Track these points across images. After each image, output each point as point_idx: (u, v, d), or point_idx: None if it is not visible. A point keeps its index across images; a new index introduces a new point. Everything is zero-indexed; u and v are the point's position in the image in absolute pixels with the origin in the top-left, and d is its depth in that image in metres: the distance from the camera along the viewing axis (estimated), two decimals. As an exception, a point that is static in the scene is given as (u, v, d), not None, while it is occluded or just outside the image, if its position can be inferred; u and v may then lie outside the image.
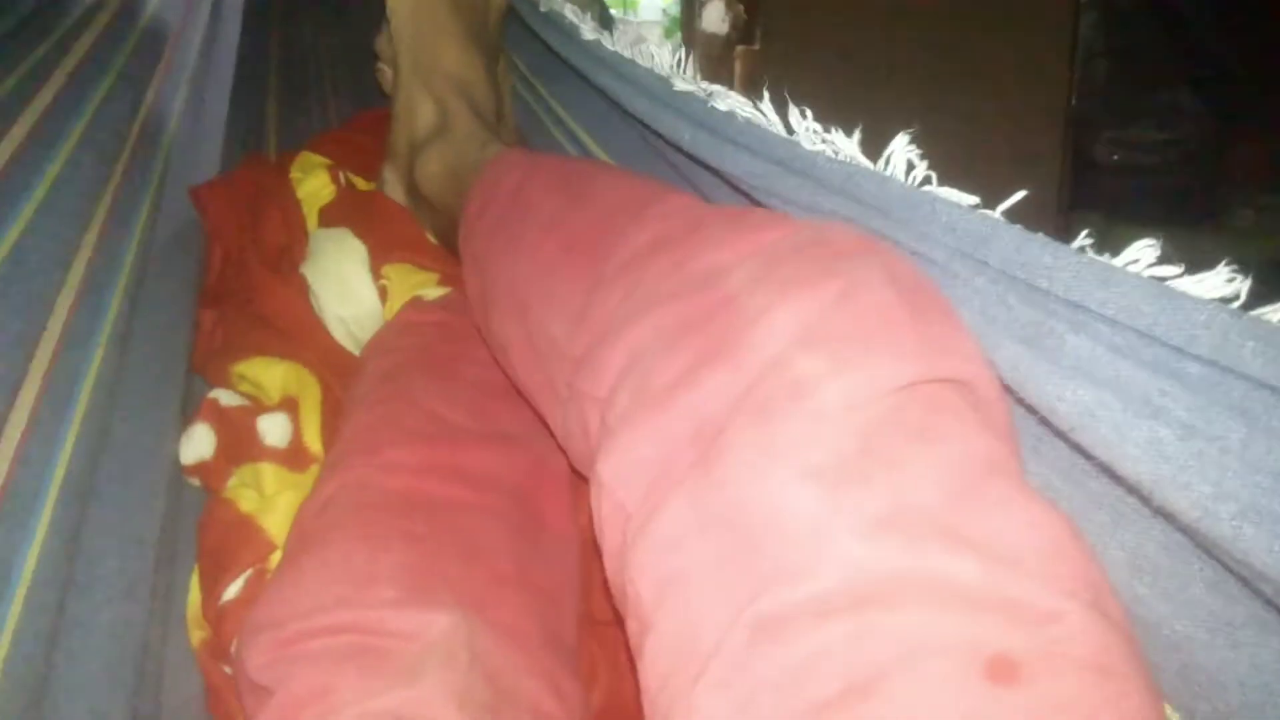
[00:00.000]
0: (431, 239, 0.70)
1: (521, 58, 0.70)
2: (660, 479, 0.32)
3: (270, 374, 0.60)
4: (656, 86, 0.49)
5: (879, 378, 0.29)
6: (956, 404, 0.30)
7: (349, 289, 0.64)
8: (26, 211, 0.43)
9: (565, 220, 0.48)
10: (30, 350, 0.41)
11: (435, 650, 0.40)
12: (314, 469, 0.56)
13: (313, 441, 0.57)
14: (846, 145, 0.37)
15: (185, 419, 0.57)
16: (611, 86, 0.55)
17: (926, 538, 0.26)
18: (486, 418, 0.54)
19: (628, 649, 0.33)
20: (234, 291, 0.64)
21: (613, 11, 1.44)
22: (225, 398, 0.58)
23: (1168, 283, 0.27)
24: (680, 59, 0.49)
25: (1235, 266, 0.27)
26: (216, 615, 0.49)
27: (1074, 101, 1.61)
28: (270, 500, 0.54)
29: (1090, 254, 0.29)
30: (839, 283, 0.31)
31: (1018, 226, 0.31)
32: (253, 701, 0.41)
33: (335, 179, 0.73)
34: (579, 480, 0.51)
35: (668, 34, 1.96)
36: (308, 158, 0.75)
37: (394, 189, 0.72)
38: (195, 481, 0.57)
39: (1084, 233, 0.29)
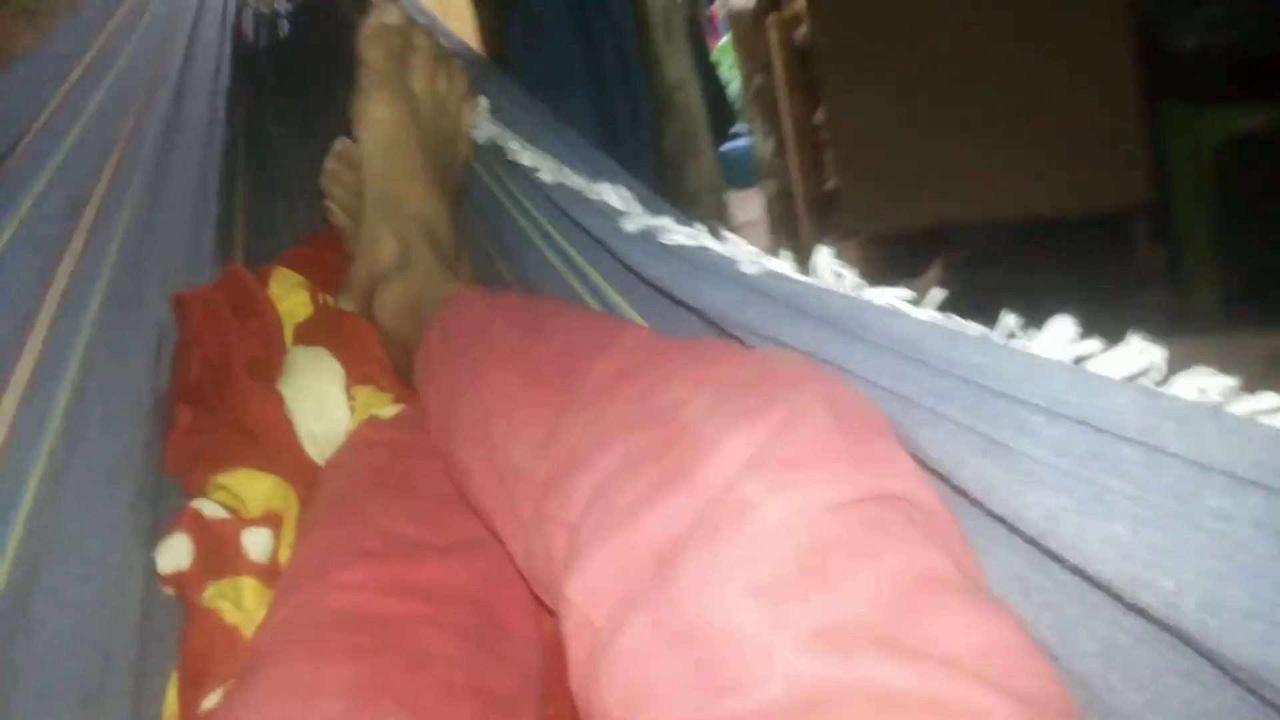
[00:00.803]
0: (385, 365, 0.72)
1: (540, 210, 0.71)
2: (624, 596, 0.34)
3: (254, 487, 0.60)
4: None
5: (815, 498, 0.32)
6: (893, 520, 0.32)
7: (324, 407, 0.66)
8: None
9: (528, 352, 0.50)
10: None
11: None
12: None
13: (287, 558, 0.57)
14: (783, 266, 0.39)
15: (160, 526, 0.57)
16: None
17: (861, 648, 0.28)
18: (442, 530, 0.54)
19: None
20: (211, 396, 0.66)
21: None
22: (208, 509, 0.58)
23: (1087, 362, 0.27)
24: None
25: (1147, 335, 0.27)
26: None
27: None
28: (251, 615, 0.53)
29: (1016, 341, 0.29)
30: (782, 412, 0.34)
31: (951, 323, 0.32)
32: None
33: (314, 299, 0.75)
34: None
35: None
36: (286, 274, 0.77)
37: (350, 317, 0.75)
38: (169, 590, 0.56)
39: (1006, 321, 0.30)
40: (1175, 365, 0.27)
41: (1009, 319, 0.30)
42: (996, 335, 0.30)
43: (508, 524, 0.46)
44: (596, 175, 0.55)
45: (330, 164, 0.81)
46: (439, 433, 0.56)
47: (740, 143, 2.10)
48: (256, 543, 0.58)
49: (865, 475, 0.33)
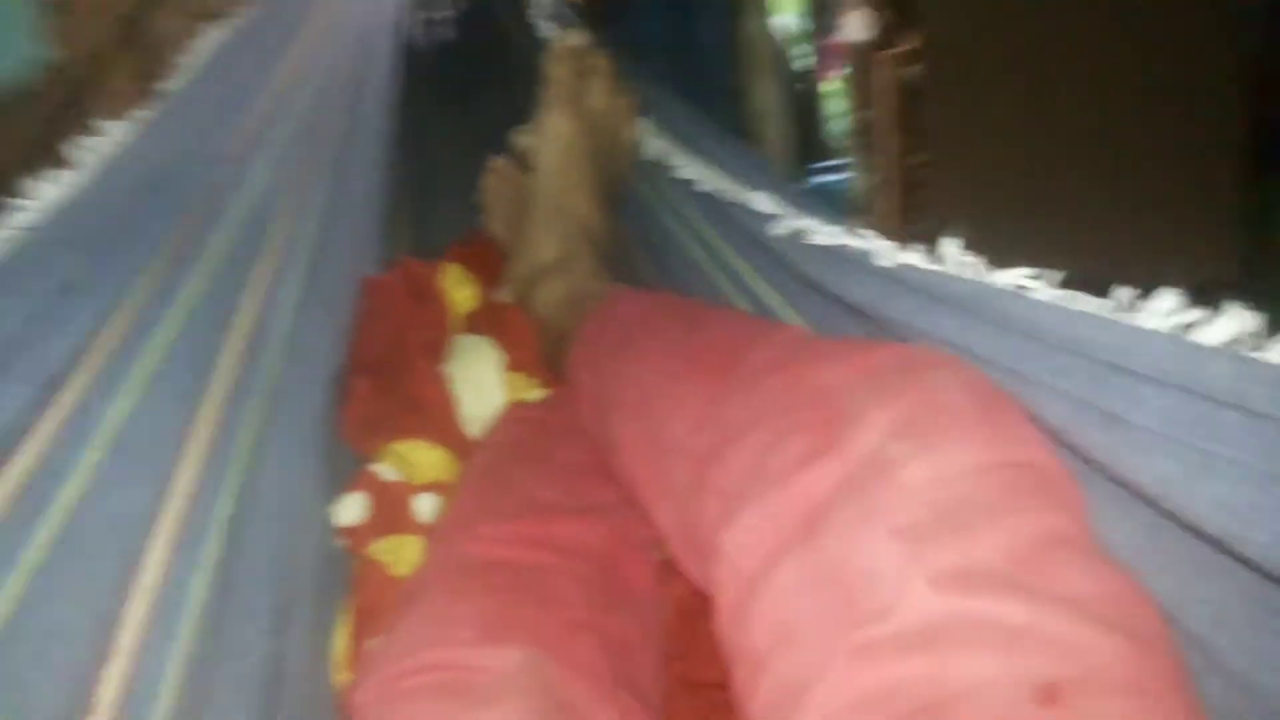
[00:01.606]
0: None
1: (695, 215, 0.75)
2: (774, 547, 0.38)
3: (427, 457, 0.67)
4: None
5: (954, 459, 0.36)
6: (1023, 483, 0.35)
7: (483, 390, 0.73)
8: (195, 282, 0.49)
9: (689, 342, 0.55)
10: (198, 403, 0.47)
11: (508, 680, 0.45)
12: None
13: (443, 521, 0.64)
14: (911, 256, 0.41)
15: (337, 483, 0.64)
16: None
17: (987, 588, 0.32)
18: (574, 495, 0.60)
19: (723, 709, 0.40)
20: (389, 372, 0.72)
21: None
22: (384, 472, 0.65)
23: (1193, 331, 0.29)
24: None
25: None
26: (360, 661, 0.55)
27: (1253, 60, 1.47)
28: (412, 569, 0.60)
29: (1127, 315, 0.31)
30: (922, 389, 0.38)
31: (1066, 301, 0.33)
32: None
33: (481, 292, 0.83)
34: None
35: (794, 44, 1.91)
36: (454, 270, 0.84)
37: (509, 309, 0.82)
38: (341, 543, 0.63)
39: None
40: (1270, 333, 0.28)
41: (1122, 292, 0.31)
42: (1109, 309, 0.31)
43: (659, 492, 0.51)
44: (750, 182, 0.58)
45: (489, 180, 0.88)
46: (590, 408, 0.62)
47: (835, 177, 2.08)
48: (425, 506, 0.65)
49: (997, 443, 0.36)
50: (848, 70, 1.55)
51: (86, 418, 0.38)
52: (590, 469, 0.62)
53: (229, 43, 0.59)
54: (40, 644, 0.34)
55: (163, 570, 0.41)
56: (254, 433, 0.52)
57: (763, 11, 1.50)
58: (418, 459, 0.67)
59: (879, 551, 0.34)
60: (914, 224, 1.43)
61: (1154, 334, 0.30)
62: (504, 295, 0.82)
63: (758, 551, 0.39)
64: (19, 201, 0.42)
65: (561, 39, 0.83)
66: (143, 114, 0.51)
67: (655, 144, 0.81)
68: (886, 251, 0.42)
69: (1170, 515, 0.32)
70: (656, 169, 0.78)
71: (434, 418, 0.70)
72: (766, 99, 1.49)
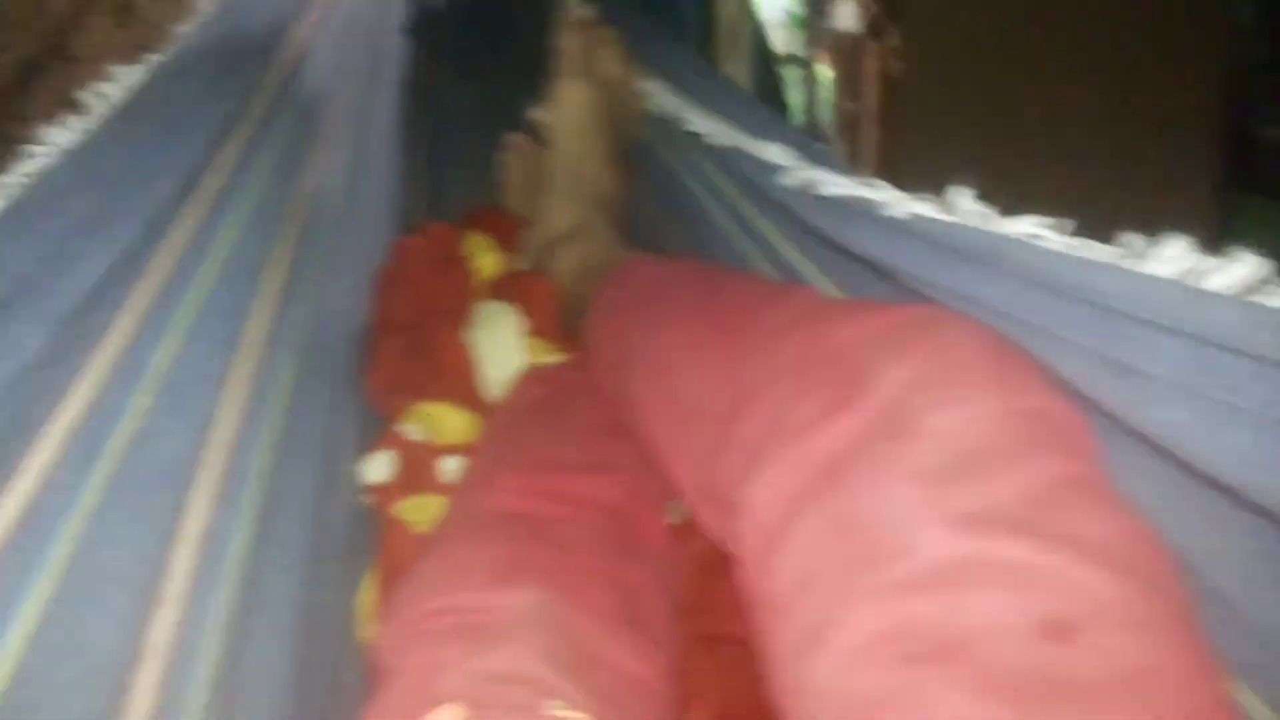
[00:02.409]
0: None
1: (709, 171, 0.75)
2: (796, 499, 0.40)
3: (453, 419, 0.69)
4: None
5: (970, 410, 0.37)
6: (1039, 431, 0.37)
7: (503, 355, 0.74)
8: (232, 230, 0.50)
9: (707, 304, 0.57)
10: (237, 350, 0.48)
11: (521, 619, 0.46)
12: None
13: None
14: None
15: (366, 442, 0.66)
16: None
17: (1001, 530, 0.33)
18: (590, 452, 0.61)
19: (741, 663, 0.41)
20: (414, 333, 0.75)
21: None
22: (411, 433, 0.67)
23: (1203, 279, 0.29)
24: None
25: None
26: (383, 610, 0.57)
27: (1230, 76, 1.48)
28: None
29: (1140, 263, 0.31)
30: (936, 343, 0.40)
31: (1078, 250, 0.34)
32: (384, 683, 0.47)
33: (503, 261, 0.85)
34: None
35: (791, 32, 1.88)
36: (477, 237, 0.86)
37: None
38: (367, 500, 0.65)
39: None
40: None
41: (1134, 240, 0.31)
42: (1121, 258, 0.32)
43: (678, 451, 0.53)
44: (761, 133, 0.58)
45: (505, 155, 0.90)
46: (607, 371, 0.64)
47: None
48: (450, 467, 0.66)
49: (1010, 392, 0.38)
50: (832, 58, 1.55)
51: (135, 362, 0.39)
52: (605, 429, 0.63)
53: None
54: (97, 588, 0.35)
55: (207, 519, 0.42)
56: (288, 386, 0.53)
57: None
58: (443, 420, 0.68)
59: (897, 497, 0.35)
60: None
61: (1166, 281, 0.30)
62: (522, 264, 0.84)
63: (780, 504, 0.40)
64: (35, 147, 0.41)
65: (571, 11, 0.85)
66: (158, 58, 0.51)
67: (668, 101, 0.80)
68: (897, 201, 0.42)
69: (1186, 466, 0.33)
70: (672, 129, 0.78)
71: (455, 381, 0.71)
72: (740, 79, 1.47)
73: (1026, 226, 0.35)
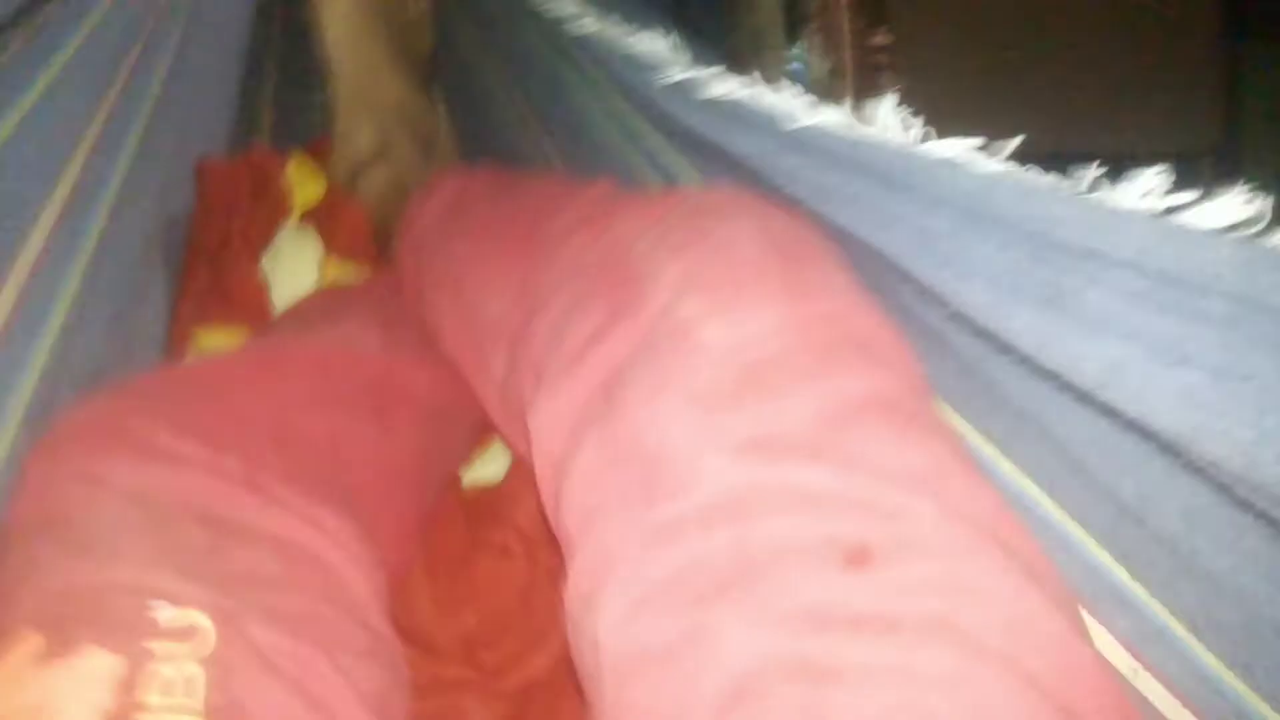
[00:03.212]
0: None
1: (585, 64, 0.66)
2: (577, 426, 0.36)
3: (227, 341, 0.65)
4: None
5: (754, 319, 0.33)
6: (834, 342, 0.33)
7: (297, 277, 0.71)
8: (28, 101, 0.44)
9: (499, 218, 0.52)
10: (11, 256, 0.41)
11: (105, 518, 0.37)
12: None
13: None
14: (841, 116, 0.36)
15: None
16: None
17: (791, 456, 0.30)
18: (340, 334, 0.56)
19: None
20: (217, 260, 0.71)
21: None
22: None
23: (1182, 214, 0.26)
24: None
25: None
26: None
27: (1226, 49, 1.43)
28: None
29: (1099, 195, 0.28)
30: (714, 239, 0.36)
31: (1024, 175, 0.30)
32: None
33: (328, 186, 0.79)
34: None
35: None
36: (304, 162, 0.79)
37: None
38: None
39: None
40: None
41: (1090, 171, 0.28)
42: (1072, 187, 0.29)
43: (479, 374, 0.48)
44: (640, 23, 0.51)
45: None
46: (412, 291, 0.59)
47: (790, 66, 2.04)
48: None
49: (802, 297, 0.34)
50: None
51: None
52: (373, 323, 0.57)
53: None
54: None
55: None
56: (70, 301, 0.47)
57: None
58: (215, 342, 0.65)
59: (676, 423, 0.32)
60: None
61: (1135, 213, 0.27)
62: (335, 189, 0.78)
63: (561, 430, 0.37)
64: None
65: None
66: None
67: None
68: (798, 110, 0.37)
69: (1109, 408, 0.30)
70: (548, 27, 0.70)
71: (245, 306, 0.68)
72: None
73: (953, 149, 0.31)
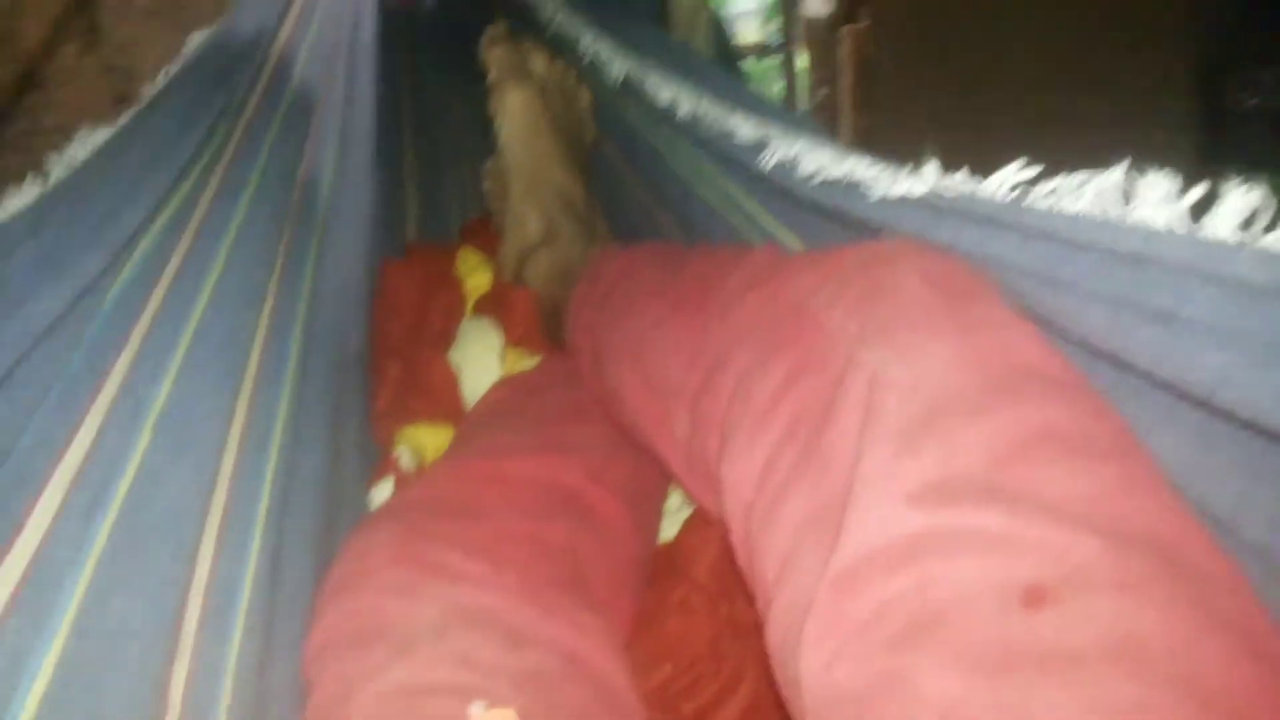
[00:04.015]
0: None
1: (691, 149, 0.71)
2: (770, 476, 0.38)
3: (433, 440, 0.69)
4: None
5: (926, 361, 0.35)
6: (1003, 378, 0.34)
7: (484, 370, 0.76)
8: (221, 254, 0.48)
9: (669, 285, 0.56)
10: (236, 386, 0.46)
11: (429, 624, 0.43)
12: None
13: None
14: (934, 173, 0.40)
15: (367, 469, 0.66)
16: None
17: (965, 498, 0.31)
18: (538, 438, 0.60)
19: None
20: (409, 355, 0.76)
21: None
22: (403, 458, 0.67)
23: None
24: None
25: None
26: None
27: (1202, 44, 1.45)
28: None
29: (1180, 214, 0.30)
30: (884, 286, 0.38)
31: (1114, 208, 0.32)
32: (307, 699, 0.45)
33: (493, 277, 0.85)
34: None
35: (766, 20, 1.89)
36: (470, 253, 0.87)
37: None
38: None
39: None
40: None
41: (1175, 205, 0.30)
42: (1154, 217, 0.30)
43: (663, 436, 0.51)
44: (731, 103, 0.55)
45: (488, 164, 0.89)
46: (588, 366, 0.63)
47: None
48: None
49: (967, 332, 0.35)
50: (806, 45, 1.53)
51: (133, 404, 0.37)
52: (565, 417, 0.62)
53: (223, 27, 0.57)
54: (111, 643, 0.33)
55: (215, 564, 0.40)
56: (287, 418, 0.51)
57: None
58: (423, 441, 0.69)
59: (859, 468, 0.33)
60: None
61: (1217, 235, 0.29)
62: (503, 276, 0.84)
63: (753, 481, 0.39)
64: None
65: (490, 29, 0.85)
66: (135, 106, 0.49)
67: (623, 66, 0.74)
68: (882, 180, 0.40)
69: (1224, 413, 0.31)
70: (652, 109, 0.77)
71: (440, 399, 0.73)
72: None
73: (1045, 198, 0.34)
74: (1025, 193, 0.35)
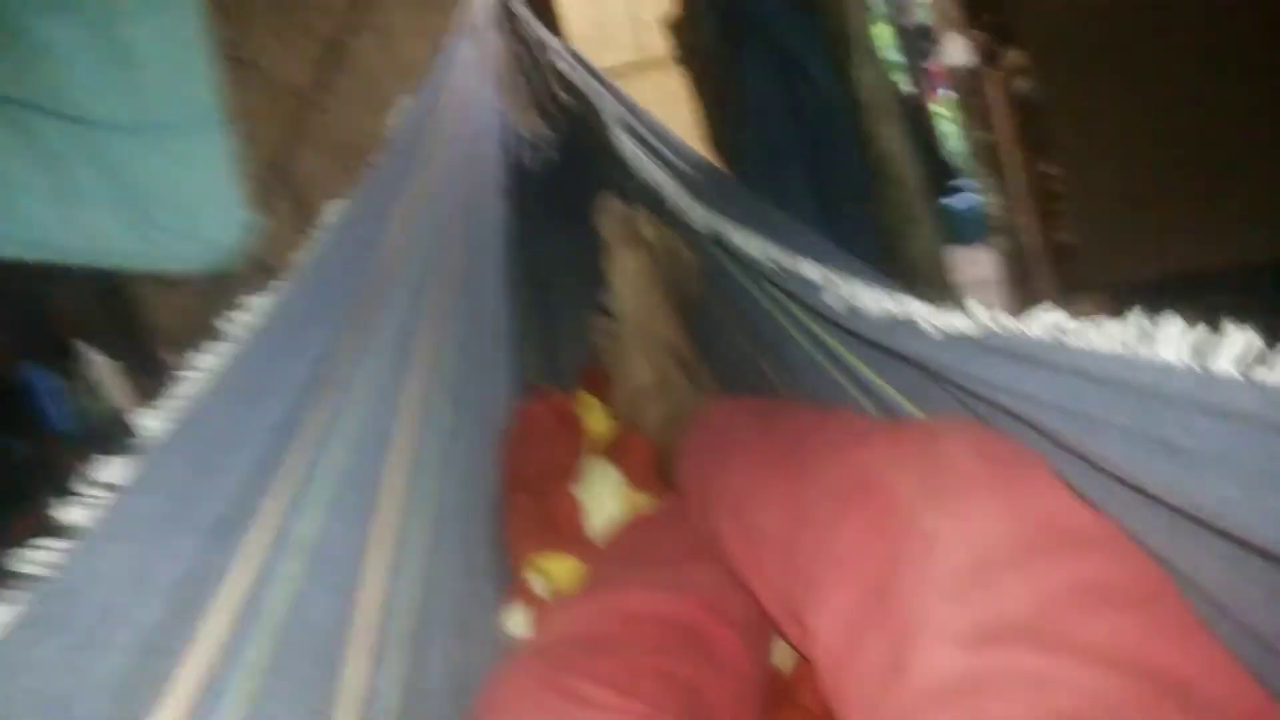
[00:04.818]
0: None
1: (785, 300, 0.77)
2: (852, 624, 0.44)
3: (562, 568, 0.76)
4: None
5: (978, 523, 0.41)
6: (1046, 537, 0.40)
7: (606, 508, 0.84)
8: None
9: (762, 445, 0.63)
10: (367, 537, 0.52)
11: None
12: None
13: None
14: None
15: (499, 591, 0.73)
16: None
17: (1010, 641, 0.36)
18: (666, 575, 0.66)
19: None
20: (539, 488, 0.84)
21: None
22: (537, 585, 0.74)
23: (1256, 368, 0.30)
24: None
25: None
26: None
27: None
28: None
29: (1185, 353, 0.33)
30: (941, 460, 0.44)
31: (1141, 347, 0.35)
32: None
33: (607, 417, 0.96)
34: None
35: (888, 74, 1.91)
36: (588, 399, 0.97)
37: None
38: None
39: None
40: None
41: (1184, 343, 0.33)
42: (1174, 356, 0.33)
43: (757, 578, 0.57)
44: (806, 254, 0.61)
45: (598, 315, 1.01)
46: (697, 510, 0.71)
47: (968, 198, 2.01)
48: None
49: (1014, 499, 0.41)
50: (952, 93, 1.51)
51: (285, 535, 0.44)
52: (686, 557, 0.68)
53: (363, 190, 0.64)
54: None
55: (362, 678, 0.47)
56: (425, 547, 0.58)
57: (874, 56, 1.48)
58: (553, 570, 0.76)
59: (920, 614, 0.39)
60: (1055, 232, 1.39)
61: (1217, 371, 0.32)
62: (618, 418, 0.94)
63: (840, 629, 0.44)
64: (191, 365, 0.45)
65: (606, 202, 0.97)
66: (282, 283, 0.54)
67: (749, 244, 0.77)
68: (931, 316, 0.45)
69: (1227, 535, 0.34)
70: (748, 265, 0.81)
71: (566, 531, 0.81)
72: (893, 139, 1.51)
73: (1053, 326, 0.37)
74: (1059, 332, 0.38)
